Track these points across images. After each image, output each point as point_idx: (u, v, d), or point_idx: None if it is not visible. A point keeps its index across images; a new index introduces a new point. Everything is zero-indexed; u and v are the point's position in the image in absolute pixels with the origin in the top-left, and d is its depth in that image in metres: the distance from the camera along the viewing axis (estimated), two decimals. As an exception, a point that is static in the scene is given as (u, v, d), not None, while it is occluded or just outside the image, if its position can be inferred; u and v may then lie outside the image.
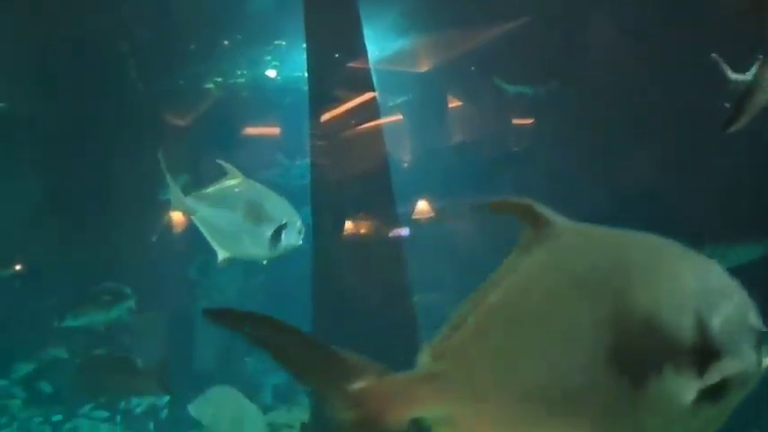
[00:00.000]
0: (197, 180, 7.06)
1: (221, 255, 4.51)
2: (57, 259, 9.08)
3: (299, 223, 4.61)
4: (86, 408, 8.21)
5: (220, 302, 10.17)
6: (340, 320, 6.27)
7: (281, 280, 9.92)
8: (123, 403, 8.26)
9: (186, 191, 4.62)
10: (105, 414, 8.26)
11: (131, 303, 7.13)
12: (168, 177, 4.51)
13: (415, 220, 9.77)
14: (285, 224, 4.47)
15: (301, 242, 4.70)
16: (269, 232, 4.43)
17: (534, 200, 1.53)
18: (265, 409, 8.23)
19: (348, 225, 6.82)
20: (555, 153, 8.57)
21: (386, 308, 6.29)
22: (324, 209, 6.81)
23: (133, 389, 7.10)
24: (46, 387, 8.59)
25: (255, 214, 4.46)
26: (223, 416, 5.77)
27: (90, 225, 9.15)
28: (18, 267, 9.30)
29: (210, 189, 4.65)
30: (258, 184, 4.76)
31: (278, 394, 9.87)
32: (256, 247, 4.51)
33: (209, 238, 4.54)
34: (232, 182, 4.62)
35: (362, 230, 6.92)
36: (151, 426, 8.56)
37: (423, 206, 9.93)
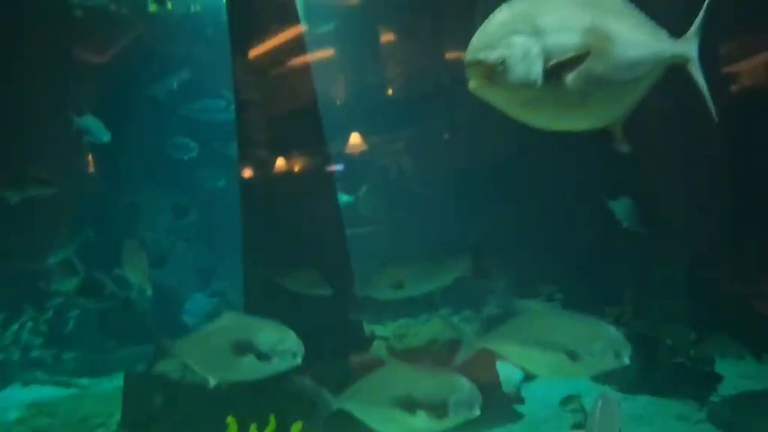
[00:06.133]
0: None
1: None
2: None
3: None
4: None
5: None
6: (271, 255, 6.15)
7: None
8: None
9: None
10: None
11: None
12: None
13: (348, 154, 9.58)
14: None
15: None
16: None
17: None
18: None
19: (277, 161, 6.60)
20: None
21: (317, 242, 6.18)
22: (251, 145, 6.55)
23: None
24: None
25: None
26: None
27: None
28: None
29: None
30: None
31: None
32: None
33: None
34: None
35: (291, 166, 6.71)
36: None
37: (355, 140, 9.73)
